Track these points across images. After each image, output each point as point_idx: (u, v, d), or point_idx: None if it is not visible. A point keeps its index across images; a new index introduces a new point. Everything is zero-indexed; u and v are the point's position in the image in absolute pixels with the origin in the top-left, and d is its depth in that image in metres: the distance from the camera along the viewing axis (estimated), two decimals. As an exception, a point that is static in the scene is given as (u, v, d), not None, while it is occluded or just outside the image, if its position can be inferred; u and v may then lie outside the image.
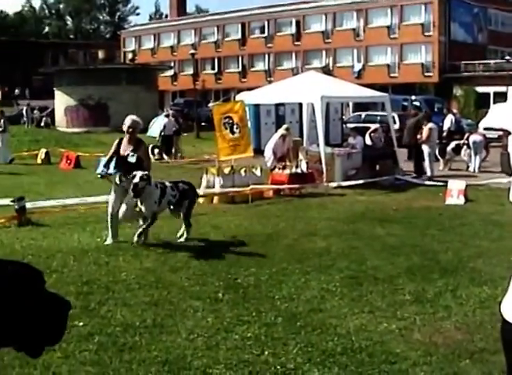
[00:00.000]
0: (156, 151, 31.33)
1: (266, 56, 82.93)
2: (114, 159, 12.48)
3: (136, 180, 11.60)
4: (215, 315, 7.96)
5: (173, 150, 31.69)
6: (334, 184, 20.33)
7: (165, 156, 31.01)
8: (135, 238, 11.95)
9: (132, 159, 12.07)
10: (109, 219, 12.41)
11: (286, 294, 8.91)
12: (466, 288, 9.23)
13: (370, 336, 7.33)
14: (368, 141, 25.01)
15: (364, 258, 11.15)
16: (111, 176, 12.60)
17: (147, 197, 11.89)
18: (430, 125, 23.23)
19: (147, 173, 11.89)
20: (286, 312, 8.19)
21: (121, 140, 12.42)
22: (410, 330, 7.58)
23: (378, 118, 34.85)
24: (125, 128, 12.34)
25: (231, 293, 8.95)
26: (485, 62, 67.50)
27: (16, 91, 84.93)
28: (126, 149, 12.22)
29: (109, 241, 12.27)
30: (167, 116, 33.83)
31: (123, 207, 12.22)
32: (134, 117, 12.53)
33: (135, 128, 12.38)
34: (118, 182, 12.30)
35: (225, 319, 7.84)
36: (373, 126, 26.58)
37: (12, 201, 14.44)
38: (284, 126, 21.52)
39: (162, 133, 31.76)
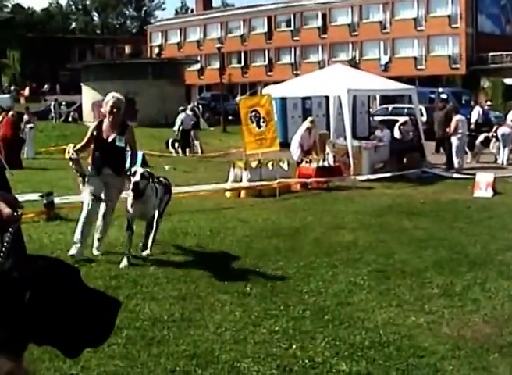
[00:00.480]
0: (176, 145, 31.56)
1: (292, 49, 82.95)
2: (93, 147, 10.71)
3: (137, 178, 9.93)
4: (242, 309, 7.96)
5: (197, 143, 31.96)
6: (361, 177, 20.30)
7: (179, 150, 31.21)
8: (146, 252, 10.69)
9: (120, 143, 10.42)
10: (81, 225, 10.60)
11: (314, 288, 8.90)
12: (495, 281, 9.17)
13: (398, 330, 7.31)
14: (397, 134, 24.93)
15: (391, 251, 11.11)
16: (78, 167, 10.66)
17: (147, 199, 10.31)
18: (458, 117, 23.12)
19: (148, 170, 10.67)
20: (313, 305, 8.18)
21: (100, 123, 10.53)
22: (439, 323, 7.54)
23: (405, 111, 34.78)
24: (107, 108, 10.40)
25: (259, 287, 8.94)
26: (513, 53, 67.08)
27: (46, 86, 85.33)
28: (109, 133, 10.44)
29: (74, 251, 10.33)
30: (183, 110, 33.86)
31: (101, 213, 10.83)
32: (117, 95, 10.61)
33: (119, 108, 10.41)
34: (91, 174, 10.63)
35: (253, 313, 7.84)
36: (402, 119, 26.46)
37: (40, 196, 14.52)
38: (309, 119, 21.51)
39: (181, 128, 32.00)
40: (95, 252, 10.65)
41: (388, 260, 10.48)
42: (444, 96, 41.47)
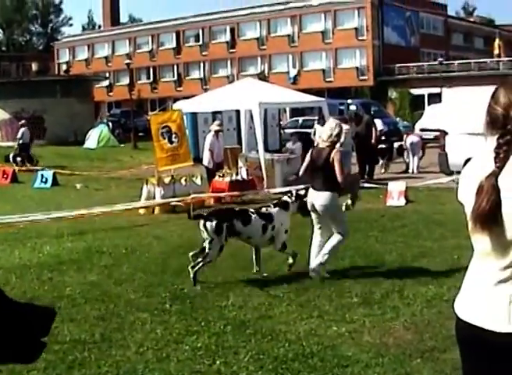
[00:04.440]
0: (19, 159, 31.55)
1: (201, 64, 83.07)
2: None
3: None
4: (163, 326, 7.87)
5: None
6: (275, 190, 20.33)
7: (27, 164, 31.16)
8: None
9: None
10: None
11: (234, 302, 8.87)
12: (412, 288, 9.31)
13: (320, 340, 7.33)
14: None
15: (308, 262, 11.15)
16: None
17: None
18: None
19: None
20: (234, 320, 8.15)
21: (316, 148, 10.62)
22: (360, 332, 7.60)
23: (315, 122, 35.14)
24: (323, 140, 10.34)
25: (178, 304, 8.88)
26: (419, 64, 68.60)
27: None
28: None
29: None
30: (23, 125, 33.74)
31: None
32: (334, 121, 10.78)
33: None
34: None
35: (174, 331, 7.76)
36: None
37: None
38: (216, 122, 21.52)
39: (21, 142, 32.23)
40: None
41: (306, 271, 10.51)
42: (353, 107, 41.97)
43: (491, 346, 3.25)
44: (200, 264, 9.84)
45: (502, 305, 3.21)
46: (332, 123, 10.63)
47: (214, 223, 9.90)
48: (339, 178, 9.98)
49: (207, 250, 9.89)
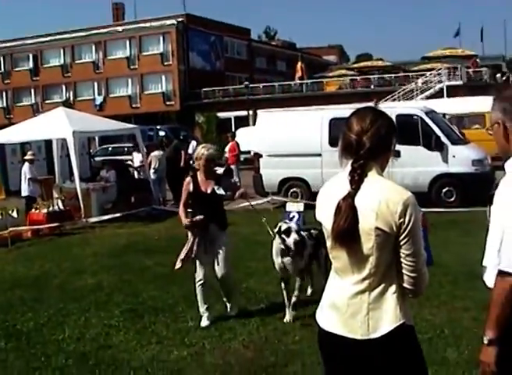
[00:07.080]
0: None
1: (4, 93, 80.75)
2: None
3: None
4: (2, 366, 7.72)
5: None
6: (93, 219, 20.18)
7: None
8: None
9: (220, 191, 9.45)
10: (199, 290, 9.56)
11: (71, 335, 8.84)
12: (245, 308, 9.60)
13: (165, 365, 7.45)
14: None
15: (138, 290, 11.25)
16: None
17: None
18: (154, 153, 24.00)
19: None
20: (74, 352, 8.12)
21: (193, 177, 9.54)
22: (202, 354, 7.78)
23: (126, 149, 35.24)
24: (201, 162, 9.42)
25: (13, 341, 8.73)
26: (224, 88, 69.68)
27: None
28: (207, 185, 9.46)
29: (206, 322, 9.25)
30: None
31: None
32: (210, 147, 9.73)
33: (214, 160, 9.75)
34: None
35: (15, 369, 7.64)
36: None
37: None
38: (29, 152, 21.47)
39: None
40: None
41: (137, 299, 10.62)
42: (162, 133, 42.24)
43: (352, 353, 3.57)
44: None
45: (361, 314, 3.54)
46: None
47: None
48: None
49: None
